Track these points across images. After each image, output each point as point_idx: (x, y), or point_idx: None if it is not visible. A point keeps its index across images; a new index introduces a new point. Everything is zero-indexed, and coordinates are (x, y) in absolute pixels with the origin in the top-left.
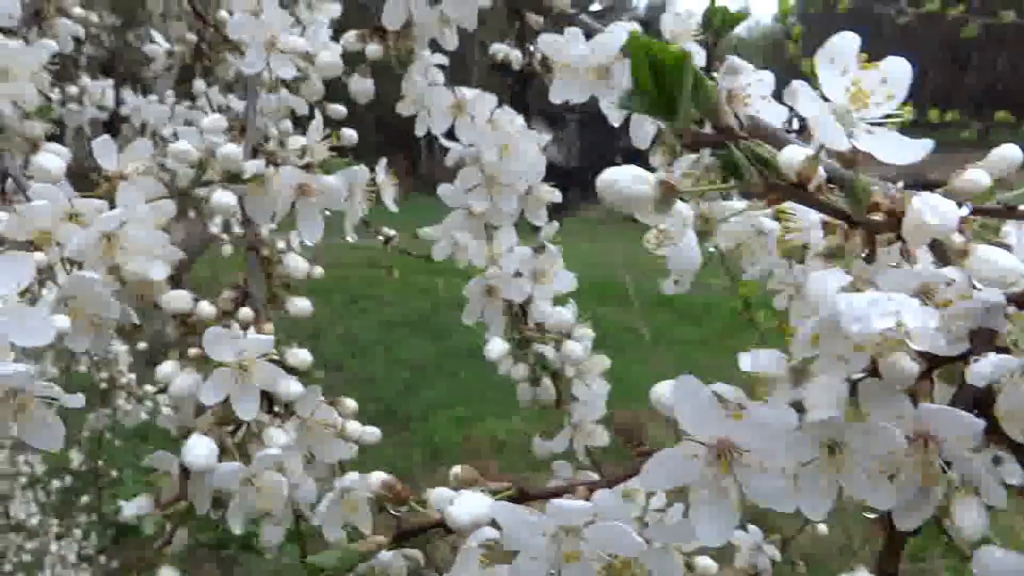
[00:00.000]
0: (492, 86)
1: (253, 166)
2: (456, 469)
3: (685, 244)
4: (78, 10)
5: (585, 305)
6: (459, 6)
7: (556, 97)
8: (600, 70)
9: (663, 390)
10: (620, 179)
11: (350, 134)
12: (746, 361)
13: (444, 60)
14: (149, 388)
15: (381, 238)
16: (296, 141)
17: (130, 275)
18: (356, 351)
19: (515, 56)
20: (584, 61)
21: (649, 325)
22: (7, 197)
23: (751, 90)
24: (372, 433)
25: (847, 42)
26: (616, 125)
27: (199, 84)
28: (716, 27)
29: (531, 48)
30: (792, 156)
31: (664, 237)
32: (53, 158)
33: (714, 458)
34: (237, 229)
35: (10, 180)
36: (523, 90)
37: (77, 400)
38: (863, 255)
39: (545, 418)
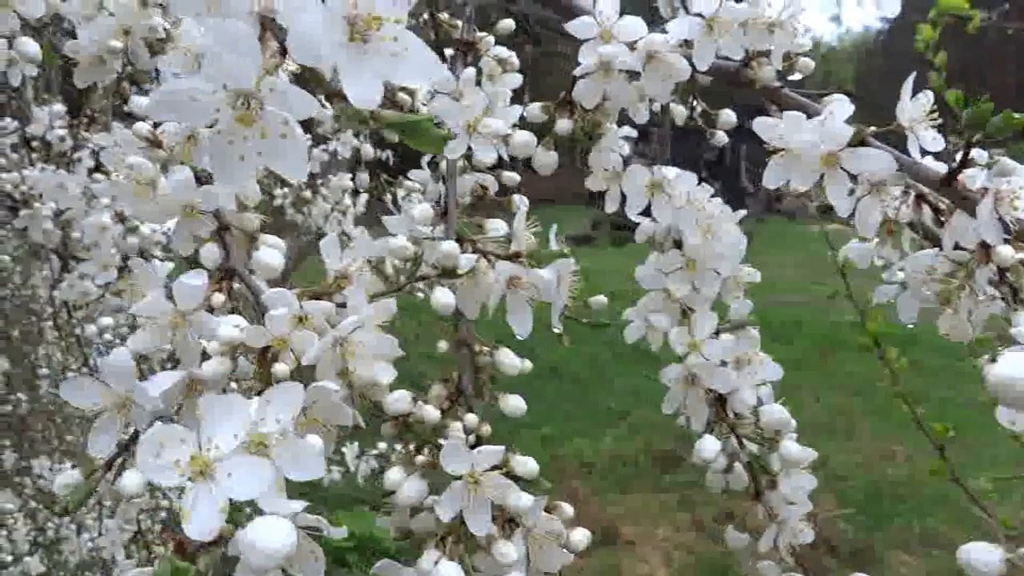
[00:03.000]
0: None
1: (468, 260)
2: None
3: None
4: None
5: None
6: (658, 83)
7: (772, 183)
8: (828, 157)
9: None
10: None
11: (522, 200)
12: None
13: (633, 133)
14: None
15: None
16: (497, 226)
17: (359, 380)
18: (442, 368)
19: (680, 111)
20: (811, 149)
21: None
22: (234, 297)
23: (1022, 192)
24: (586, 537)
25: None
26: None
27: (367, 148)
28: (994, 129)
29: (694, 103)
30: None
31: None
32: (274, 253)
33: None
34: None
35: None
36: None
37: (340, 532)
38: None
39: (634, 440)
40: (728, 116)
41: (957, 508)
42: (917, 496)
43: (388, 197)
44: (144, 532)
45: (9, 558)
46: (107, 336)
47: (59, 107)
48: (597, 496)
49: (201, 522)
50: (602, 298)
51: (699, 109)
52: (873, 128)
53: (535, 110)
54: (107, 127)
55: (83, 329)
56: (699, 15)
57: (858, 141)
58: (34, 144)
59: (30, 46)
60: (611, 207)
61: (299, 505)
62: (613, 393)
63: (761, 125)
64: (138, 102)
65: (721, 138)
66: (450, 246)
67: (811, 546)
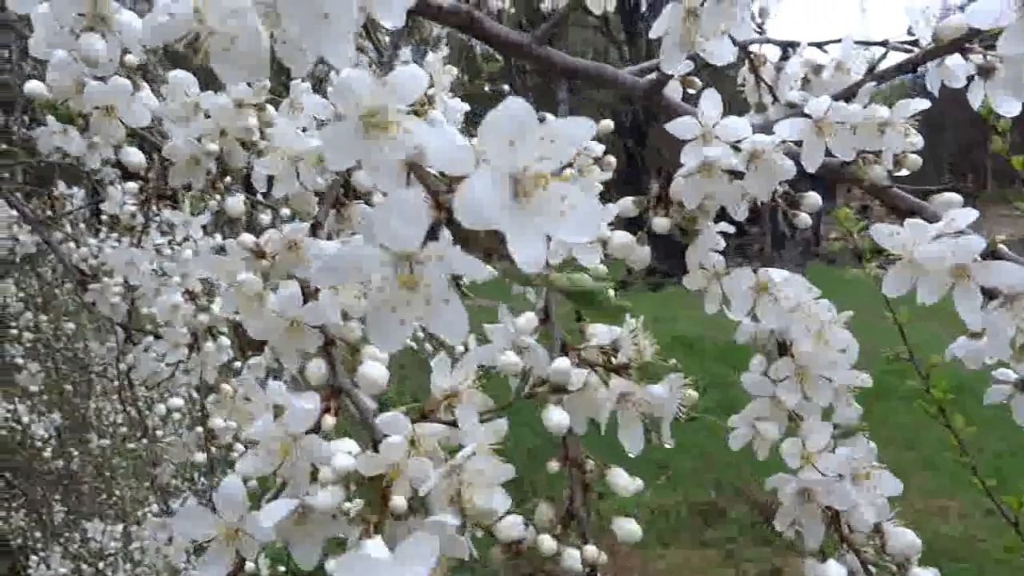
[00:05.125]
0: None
1: (579, 376)
2: None
3: None
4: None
5: (716, 369)
6: (761, 182)
7: (893, 292)
8: (958, 270)
9: None
10: None
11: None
12: None
13: (731, 229)
14: None
15: None
16: (599, 331)
17: (473, 508)
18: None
19: None
20: (939, 261)
21: None
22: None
23: None
24: None
25: None
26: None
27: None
28: None
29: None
30: None
31: None
32: (379, 367)
33: None
34: None
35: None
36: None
37: None
38: None
39: (675, 491)
40: (814, 199)
41: (1020, 568)
42: (975, 556)
43: None
44: None
45: None
46: (176, 416)
47: (132, 184)
48: (638, 550)
49: None
50: (694, 393)
51: (780, 191)
52: (1004, 236)
53: (628, 205)
54: (178, 205)
55: (151, 404)
56: (807, 116)
57: (990, 252)
58: (103, 219)
59: (135, 156)
60: (711, 308)
61: None
62: (652, 443)
63: (879, 233)
64: (232, 203)
65: (804, 220)
66: (563, 364)
67: None
